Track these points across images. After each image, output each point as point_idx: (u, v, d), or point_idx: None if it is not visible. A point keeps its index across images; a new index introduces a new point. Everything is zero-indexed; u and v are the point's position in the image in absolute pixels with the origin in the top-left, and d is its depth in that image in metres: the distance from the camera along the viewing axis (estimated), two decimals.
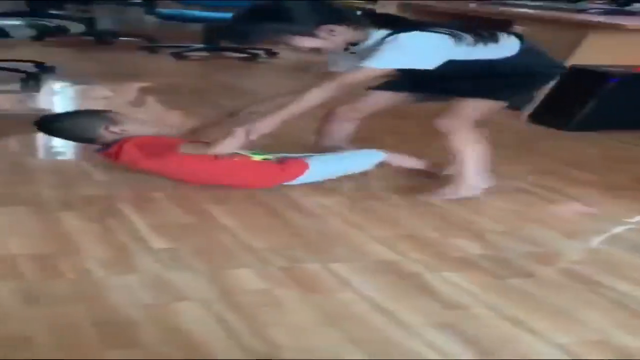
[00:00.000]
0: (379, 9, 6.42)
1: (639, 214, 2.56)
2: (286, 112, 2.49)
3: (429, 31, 2.46)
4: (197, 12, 6.33)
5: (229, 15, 6.60)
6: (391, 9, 5.69)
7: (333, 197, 2.52)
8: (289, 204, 2.44)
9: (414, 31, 2.45)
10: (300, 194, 2.52)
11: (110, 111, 2.63)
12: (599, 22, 4.06)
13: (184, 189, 2.50)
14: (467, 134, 2.54)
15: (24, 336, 1.50)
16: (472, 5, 5.27)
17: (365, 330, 1.62)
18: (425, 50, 2.45)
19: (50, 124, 2.66)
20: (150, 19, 6.80)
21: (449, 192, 2.56)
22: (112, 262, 1.89)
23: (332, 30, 2.47)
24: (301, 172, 2.55)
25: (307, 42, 2.48)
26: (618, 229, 2.45)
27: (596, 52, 3.92)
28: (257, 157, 2.56)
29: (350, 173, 2.66)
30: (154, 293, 1.73)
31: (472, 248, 2.14)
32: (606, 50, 3.94)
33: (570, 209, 2.60)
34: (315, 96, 2.47)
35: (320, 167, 2.58)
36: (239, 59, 6.19)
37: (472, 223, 2.36)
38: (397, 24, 2.51)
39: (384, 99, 2.79)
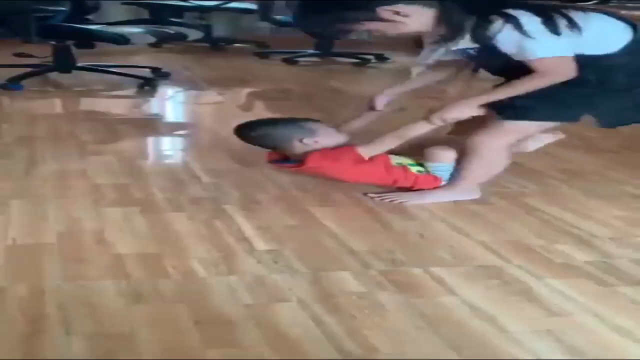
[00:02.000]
0: None
1: None
2: (477, 100, 2.41)
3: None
4: None
5: None
6: None
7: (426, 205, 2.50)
8: (391, 207, 2.44)
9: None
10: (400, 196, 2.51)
11: (309, 120, 2.61)
12: None
13: (289, 191, 2.53)
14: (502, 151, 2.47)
15: (127, 333, 1.55)
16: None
17: (465, 335, 1.60)
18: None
19: (249, 131, 2.63)
20: (264, 26, 6.92)
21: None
22: (216, 262, 1.93)
23: (397, 12, 2.33)
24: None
25: (372, 26, 2.38)
26: None
27: None
28: (414, 169, 2.56)
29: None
30: (255, 294, 1.76)
31: (578, 254, 2.08)
32: None
33: None
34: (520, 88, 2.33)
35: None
36: (350, 64, 6.22)
37: (578, 229, 2.30)
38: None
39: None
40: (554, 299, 1.79)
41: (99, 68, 4.84)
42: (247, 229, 2.19)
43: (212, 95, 4.51)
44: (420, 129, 2.49)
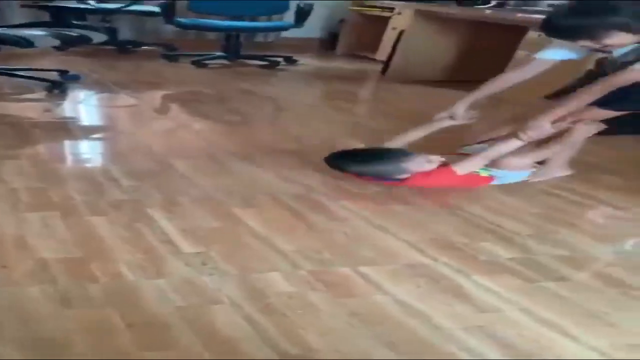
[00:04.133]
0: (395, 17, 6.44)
1: None
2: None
3: None
4: (215, 21, 6.35)
5: (247, 23, 6.72)
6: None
7: (357, 201, 2.52)
8: (314, 207, 2.44)
9: None
10: (325, 198, 2.52)
11: (399, 152, 2.64)
12: None
13: (211, 193, 2.50)
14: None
15: (60, 339, 1.50)
16: (488, 12, 5.27)
17: (399, 333, 1.61)
18: None
19: (344, 165, 2.66)
20: (169, 29, 6.83)
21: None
22: (143, 265, 1.89)
23: None
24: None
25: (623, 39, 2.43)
26: None
27: None
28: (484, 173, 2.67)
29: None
30: (186, 296, 1.73)
31: (501, 251, 2.13)
32: None
33: (600, 212, 2.57)
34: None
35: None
36: (259, 66, 6.21)
37: (499, 226, 2.35)
38: None
39: None
40: (482, 295, 1.82)
41: (5, 71, 4.68)
42: (171, 231, 2.15)
43: (125, 98, 4.42)
44: (510, 146, 2.60)
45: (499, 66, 4.01)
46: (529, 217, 2.45)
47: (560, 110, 2.60)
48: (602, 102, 2.59)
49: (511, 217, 2.44)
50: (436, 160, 2.57)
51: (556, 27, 2.49)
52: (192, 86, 5.20)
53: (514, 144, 2.60)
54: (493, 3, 5.46)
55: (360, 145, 3.19)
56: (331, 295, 1.77)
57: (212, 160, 2.95)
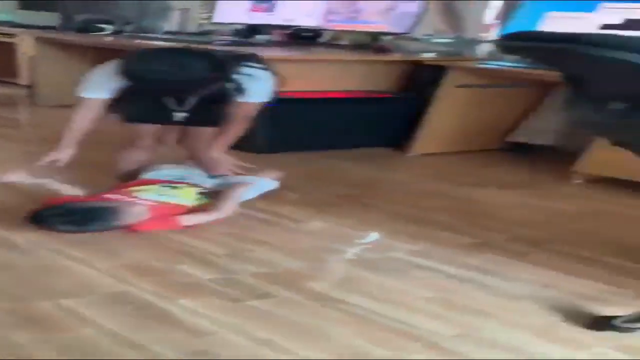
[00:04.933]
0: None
1: (357, 230, 2.68)
2: None
3: None
4: None
5: None
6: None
7: (40, 231, 2.37)
8: None
9: None
10: (3, 229, 2.36)
11: (111, 207, 2.49)
12: None
13: None
14: None
15: None
16: (109, 39, 5.33)
17: None
18: None
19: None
20: None
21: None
22: None
23: None
24: None
25: None
26: (345, 247, 2.51)
27: None
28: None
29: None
30: None
31: (202, 273, 2.12)
32: None
33: (284, 228, 2.65)
34: None
35: None
36: None
37: (194, 248, 2.34)
38: None
39: None
40: (191, 319, 1.79)
41: None
42: None
43: None
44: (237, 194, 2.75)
45: None
46: (222, 237, 2.46)
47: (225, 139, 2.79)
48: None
49: (204, 238, 2.44)
50: (143, 209, 2.51)
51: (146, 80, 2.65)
52: None
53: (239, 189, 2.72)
54: (108, 31, 5.50)
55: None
56: (37, 333, 1.65)
57: None
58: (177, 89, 2.71)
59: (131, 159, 2.92)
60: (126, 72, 2.65)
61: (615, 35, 1.63)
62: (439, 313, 1.89)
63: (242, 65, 2.74)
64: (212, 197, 2.71)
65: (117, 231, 2.43)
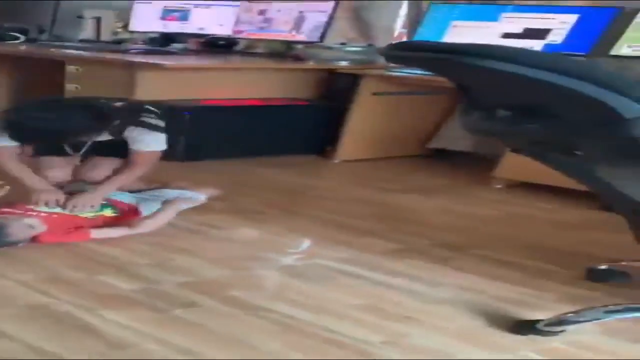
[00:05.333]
0: None
1: (284, 237, 2.67)
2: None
3: None
4: None
5: None
6: None
7: None
8: None
9: None
10: None
11: None
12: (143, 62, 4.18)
13: None
14: None
15: None
16: (24, 48, 5.22)
17: None
18: None
19: None
20: None
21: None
22: None
23: None
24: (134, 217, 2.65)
25: None
26: (271, 255, 2.49)
27: (152, 89, 4.01)
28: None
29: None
30: None
31: (123, 283, 2.07)
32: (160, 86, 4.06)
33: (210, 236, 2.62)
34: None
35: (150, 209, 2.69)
36: None
37: (115, 258, 2.29)
38: None
39: None
40: (112, 330, 1.75)
41: None
42: None
43: None
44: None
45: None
46: (145, 247, 2.42)
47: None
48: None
49: (126, 248, 2.39)
50: (35, 222, 2.43)
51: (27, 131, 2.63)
52: None
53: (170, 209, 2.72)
54: (22, 39, 5.39)
55: None
56: None
57: None
58: (57, 138, 2.71)
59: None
60: (6, 126, 2.62)
61: (494, 46, 1.67)
62: (366, 320, 1.89)
63: (136, 117, 2.74)
64: (115, 208, 2.68)
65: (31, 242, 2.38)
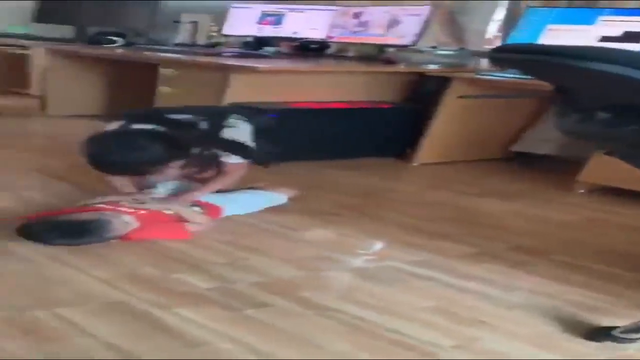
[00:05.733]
0: None
1: (357, 239, 2.67)
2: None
3: None
4: None
5: None
6: None
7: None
8: None
9: None
10: (8, 239, 2.34)
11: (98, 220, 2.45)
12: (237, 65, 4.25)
13: None
14: None
15: None
16: (119, 51, 5.40)
17: None
18: None
19: None
20: None
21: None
22: None
23: None
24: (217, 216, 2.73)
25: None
26: (345, 256, 2.50)
27: (243, 91, 4.09)
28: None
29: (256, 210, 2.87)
30: None
31: (198, 281, 2.11)
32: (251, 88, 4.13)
33: (283, 236, 2.65)
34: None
35: (233, 209, 2.80)
36: None
37: (191, 257, 2.33)
38: None
39: None
40: (188, 328, 1.78)
41: None
42: None
43: None
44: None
45: (147, 99, 4.41)
46: (221, 246, 2.46)
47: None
48: None
49: (203, 246, 2.43)
50: (131, 219, 2.49)
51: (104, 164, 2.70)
52: None
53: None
54: (119, 42, 5.58)
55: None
56: (31, 342, 1.64)
57: None
58: (134, 170, 2.76)
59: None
60: (87, 158, 2.68)
61: (595, 48, 1.66)
62: (437, 323, 1.88)
63: (216, 139, 2.83)
64: (200, 207, 2.74)
65: (115, 240, 2.43)
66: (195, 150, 2.77)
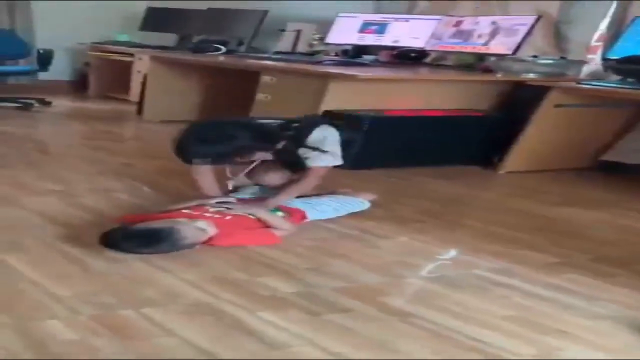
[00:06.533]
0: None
1: (439, 246, 2.67)
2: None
3: None
4: None
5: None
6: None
7: None
8: (88, 249, 2.34)
9: None
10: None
11: (172, 228, 2.46)
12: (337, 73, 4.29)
13: None
14: None
15: None
16: (221, 59, 5.52)
17: None
18: None
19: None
20: None
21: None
22: None
23: None
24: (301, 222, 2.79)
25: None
26: (426, 263, 2.51)
27: (340, 98, 4.14)
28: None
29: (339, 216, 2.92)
30: None
31: (282, 286, 2.15)
32: (347, 96, 4.17)
33: (367, 242, 2.67)
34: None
35: (316, 214, 2.87)
36: (13, 108, 6.11)
37: (277, 261, 2.38)
38: None
39: None
40: (269, 331, 1.82)
41: None
42: None
43: None
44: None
45: (242, 106, 4.53)
46: (304, 251, 2.50)
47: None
48: None
49: (287, 251, 2.48)
50: (206, 226, 2.51)
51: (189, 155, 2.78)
52: None
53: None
54: (223, 50, 5.71)
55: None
56: (117, 340, 1.71)
57: None
58: (222, 159, 2.85)
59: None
60: (175, 150, 2.77)
61: None
62: (517, 332, 1.88)
63: (303, 140, 2.87)
64: (284, 212, 2.78)
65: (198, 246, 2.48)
66: (280, 145, 2.82)
